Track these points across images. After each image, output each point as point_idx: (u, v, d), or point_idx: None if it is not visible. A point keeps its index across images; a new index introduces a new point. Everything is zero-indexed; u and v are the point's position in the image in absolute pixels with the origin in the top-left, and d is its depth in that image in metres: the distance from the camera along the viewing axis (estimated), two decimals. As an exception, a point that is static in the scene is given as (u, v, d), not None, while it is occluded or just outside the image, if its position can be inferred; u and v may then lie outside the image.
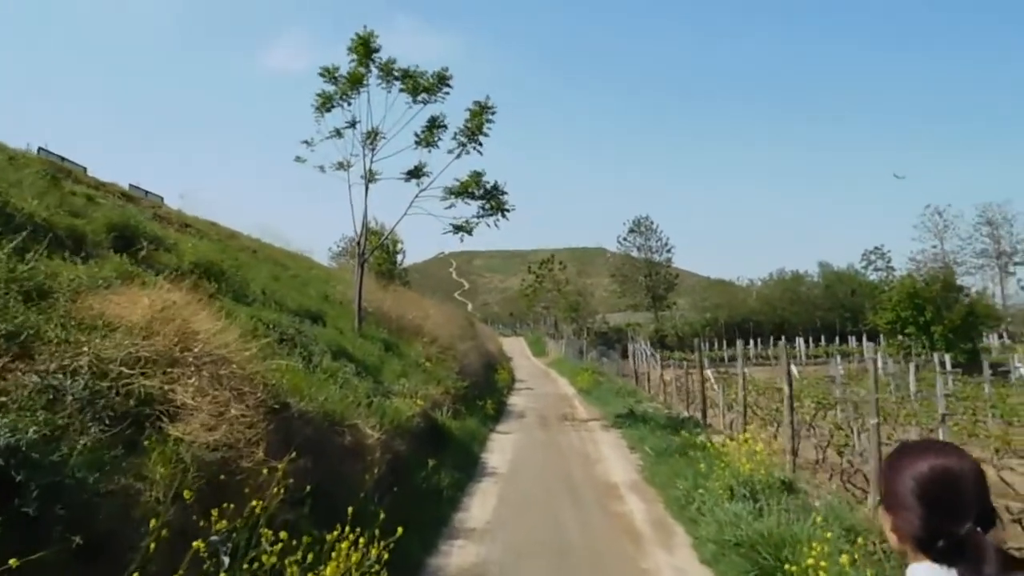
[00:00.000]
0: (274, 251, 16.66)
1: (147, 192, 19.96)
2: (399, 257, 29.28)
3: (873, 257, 68.96)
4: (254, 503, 3.92)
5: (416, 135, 12.91)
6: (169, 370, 4.63)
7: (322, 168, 13.79)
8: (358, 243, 13.25)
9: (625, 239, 65.92)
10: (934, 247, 54.99)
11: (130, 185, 19.44)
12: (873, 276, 65.77)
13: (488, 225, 13.25)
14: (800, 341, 52.56)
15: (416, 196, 13.19)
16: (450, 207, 13.12)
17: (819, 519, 5.59)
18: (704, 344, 55.60)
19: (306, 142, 13.52)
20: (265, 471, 4.20)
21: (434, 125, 13.16)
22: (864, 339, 50.46)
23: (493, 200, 12.89)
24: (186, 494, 3.64)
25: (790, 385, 9.84)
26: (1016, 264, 57.97)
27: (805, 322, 62.01)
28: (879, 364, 35.12)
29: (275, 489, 3.97)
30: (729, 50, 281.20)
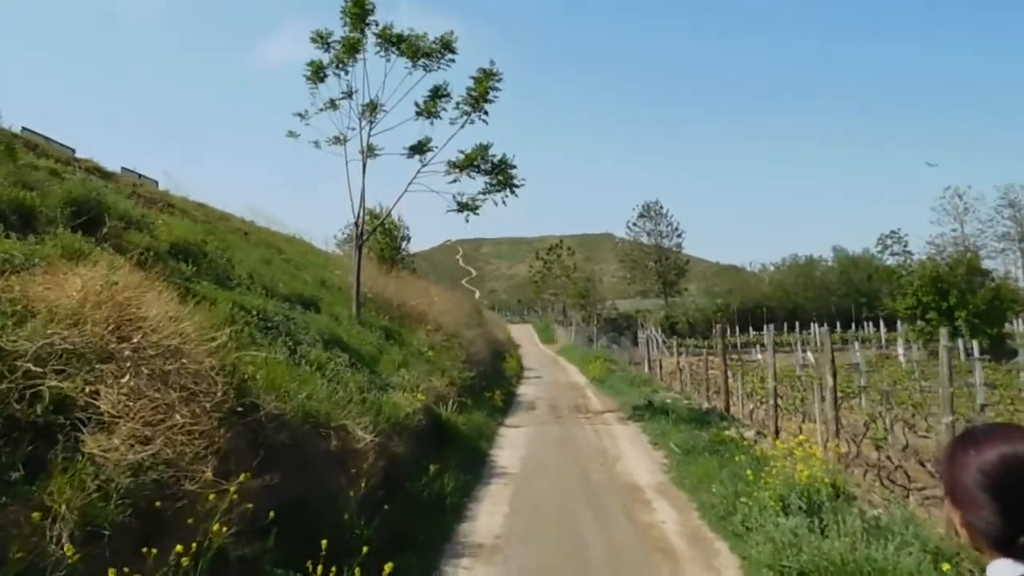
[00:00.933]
0: (268, 234, 15.74)
1: (140, 175, 19.04)
2: (404, 243, 28.27)
3: (889, 241, 67.57)
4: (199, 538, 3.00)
5: (416, 105, 11.86)
6: (100, 366, 3.69)
7: (317, 143, 12.81)
8: (356, 223, 12.30)
9: (635, 224, 64.74)
10: (954, 231, 53.34)
11: (122, 168, 18.53)
12: (890, 261, 64.34)
13: (495, 203, 12.26)
14: (815, 327, 51.22)
15: (418, 172, 12.20)
16: (454, 182, 12.12)
17: (894, 539, 4.63)
18: (716, 330, 54.71)
19: (299, 115, 12.52)
20: (212, 495, 3.26)
21: (437, 94, 12.10)
22: (882, 325, 49.17)
23: (501, 175, 11.85)
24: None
25: (834, 376, 8.81)
26: (1041, 247, 56.29)
27: (820, 308, 60.75)
28: (902, 350, 33.51)
29: (217, 523, 3.04)
30: (740, 35, 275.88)
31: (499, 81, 11.52)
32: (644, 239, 63.65)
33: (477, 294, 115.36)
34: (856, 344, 44.42)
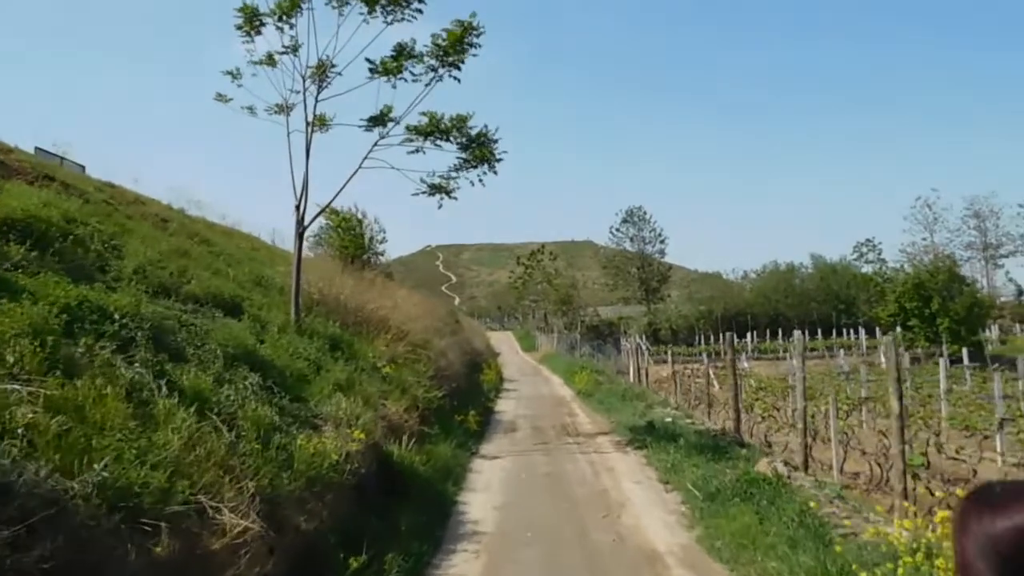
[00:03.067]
0: (202, 225, 13.28)
1: (62, 158, 16.46)
2: (378, 243, 25.77)
3: (865, 249, 67.69)
4: None
5: (370, 62, 9.53)
6: None
7: (251, 109, 10.42)
8: (297, 207, 9.93)
9: (618, 230, 63.06)
10: (924, 239, 53.51)
11: (36, 148, 15.94)
12: (866, 268, 64.45)
13: (472, 182, 10.03)
14: (797, 334, 50.03)
15: (375, 144, 9.88)
16: (415, 152, 9.82)
17: None
18: (700, 337, 53.15)
19: (230, 73, 10.13)
20: None
21: (402, 55, 9.85)
22: (862, 332, 48.22)
23: (480, 149, 9.63)
24: None
25: (900, 399, 6.74)
26: (1003, 256, 56.88)
27: (800, 315, 60.01)
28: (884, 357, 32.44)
29: None
30: (716, 42, 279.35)
31: (478, 36, 9.33)
32: (627, 245, 62.11)
33: (457, 300, 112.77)
34: (841, 352, 43.27)
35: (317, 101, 10.22)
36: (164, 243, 9.49)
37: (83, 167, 17.14)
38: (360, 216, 22.03)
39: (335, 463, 5.34)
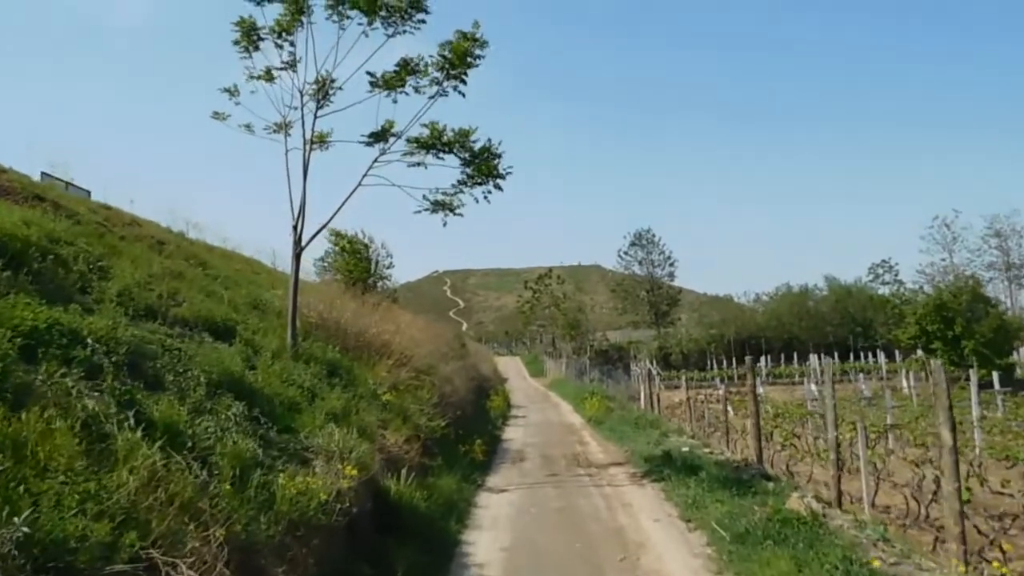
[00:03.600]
0: (200, 248, 12.96)
1: (68, 183, 16.35)
2: (383, 267, 25.34)
3: (881, 271, 66.78)
4: None
5: (371, 75, 9.25)
6: None
7: (249, 127, 10.15)
8: (294, 227, 9.56)
9: (626, 253, 62.68)
10: (943, 260, 52.40)
11: (42, 173, 15.85)
12: (883, 290, 63.44)
13: (476, 199, 9.62)
14: (814, 358, 49.29)
15: (376, 160, 9.53)
16: (416, 165, 9.44)
17: None
18: (713, 362, 52.02)
19: (227, 90, 9.87)
20: None
21: (406, 71, 9.57)
22: (881, 355, 47.10)
23: (483, 165, 9.25)
24: None
25: (953, 430, 6.11)
26: (1027, 276, 55.57)
27: (815, 338, 58.97)
28: (912, 382, 30.93)
29: None
30: (725, 62, 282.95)
31: (482, 48, 9.04)
32: (636, 268, 61.59)
33: (464, 325, 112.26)
34: (861, 376, 42.12)
35: (316, 118, 9.94)
36: (156, 264, 9.11)
37: (88, 192, 16.98)
38: (367, 241, 21.78)
39: (323, 503, 4.80)
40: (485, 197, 9.60)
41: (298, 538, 4.35)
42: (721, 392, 21.74)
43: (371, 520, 5.88)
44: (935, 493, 9.56)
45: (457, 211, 9.96)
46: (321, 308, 12.05)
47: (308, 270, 19.75)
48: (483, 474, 10.88)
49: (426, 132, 9.16)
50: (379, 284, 21.38)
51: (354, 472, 5.36)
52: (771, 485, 9.19)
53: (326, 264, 23.62)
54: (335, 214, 9.69)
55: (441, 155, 9.34)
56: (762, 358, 49.53)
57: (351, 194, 9.57)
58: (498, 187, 9.50)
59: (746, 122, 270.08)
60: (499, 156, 9.77)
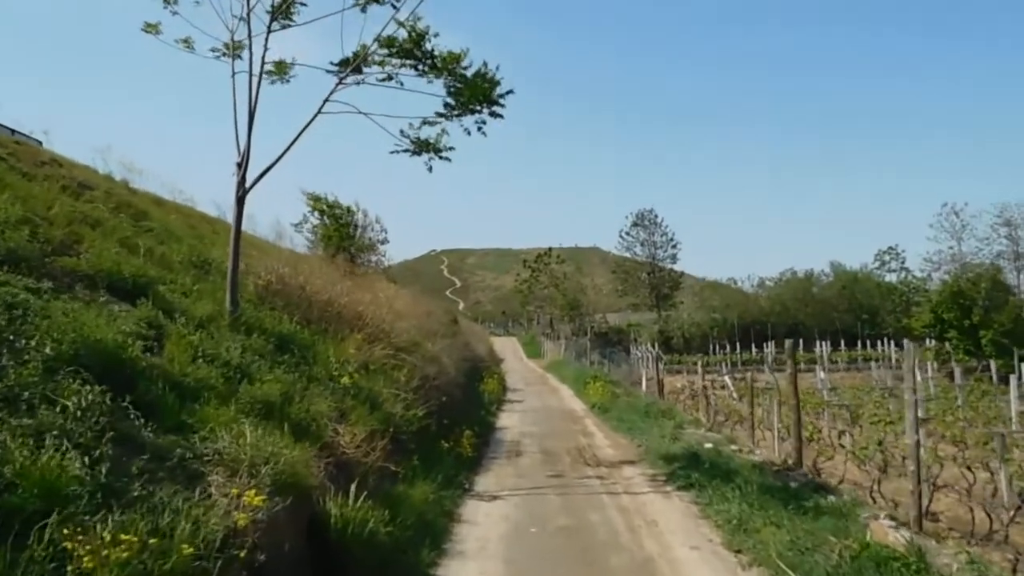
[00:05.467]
0: (137, 197, 10.87)
1: (13, 130, 14.33)
2: (380, 244, 23.21)
3: (887, 258, 64.96)
4: None
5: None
6: None
7: (187, 42, 8.04)
8: (238, 163, 7.50)
9: (628, 233, 60.45)
10: (951, 248, 50.52)
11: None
12: (890, 277, 61.78)
13: (468, 131, 7.57)
14: (820, 345, 47.70)
15: (341, 80, 7.43)
16: (388, 80, 7.37)
17: None
18: (715, 347, 50.33)
19: (158, -8, 7.75)
20: None
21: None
22: (890, 344, 45.48)
23: (475, 89, 7.20)
24: None
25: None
26: (1036, 267, 53.74)
27: (821, 325, 57.47)
28: (929, 372, 29.08)
29: None
30: (732, 46, 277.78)
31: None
32: (638, 249, 59.49)
33: (462, 305, 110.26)
34: (873, 364, 40.45)
35: (269, 31, 7.84)
36: (58, 206, 7.09)
37: (40, 142, 15.00)
38: (353, 207, 19.63)
39: (197, 554, 2.88)
40: (479, 129, 7.57)
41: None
42: (726, 379, 19.92)
43: (300, 563, 3.98)
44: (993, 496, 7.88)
45: (443, 153, 7.93)
46: (284, 271, 10.07)
47: (300, 244, 17.42)
48: (472, 473, 9.02)
49: (403, 34, 7.06)
50: (364, 256, 19.29)
51: (260, 501, 3.43)
52: (831, 499, 7.34)
53: (315, 236, 21.54)
54: (289, 147, 7.63)
55: (423, 71, 7.25)
56: (765, 344, 47.97)
57: (310, 122, 7.55)
58: (495, 115, 7.47)
59: (747, 106, 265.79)
60: (497, 83, 7.70)
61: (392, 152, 7.90)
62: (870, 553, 5.14)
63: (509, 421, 15.72)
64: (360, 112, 7.53)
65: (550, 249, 67.54)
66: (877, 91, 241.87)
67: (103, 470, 3.14)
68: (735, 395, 19.22)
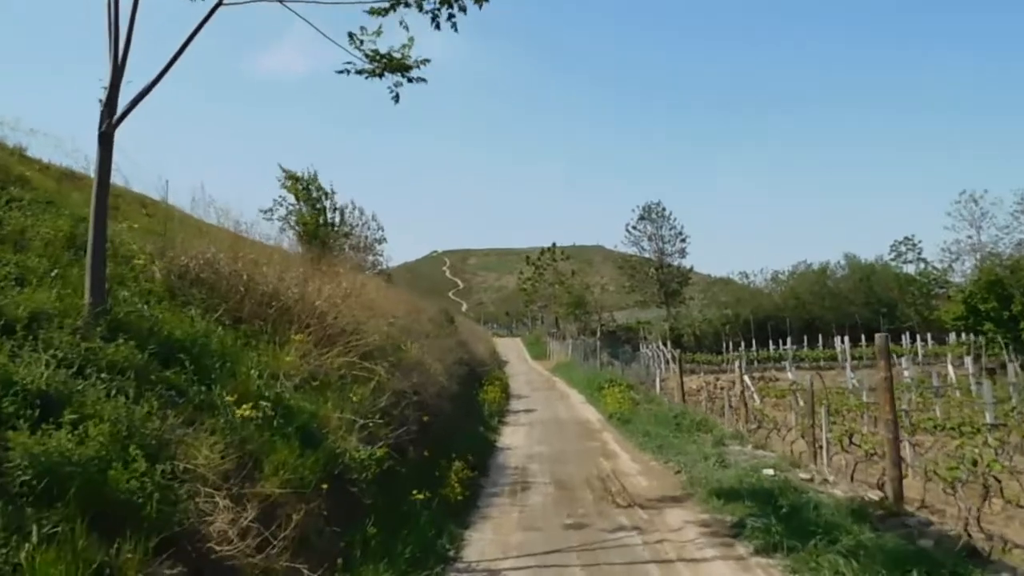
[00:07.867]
0: (39, 168, 8.57)
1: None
2: (378, 244, 20.92)
3: (904, 248, 62.16)
4: None
5: None
6: None
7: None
8: (105, 87, 5.10)
9: (635, 227, 57.83)
10: (970, 237, 47.72)
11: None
12: (907, 268, 59.04)
13: (438, 23, 5.14)
14: (839, 340, 45.23)
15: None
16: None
17: None
18: (728, 344, 47.74)
19: None
20: None
21: None
22: (916, 337, 42.89)
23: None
24: None
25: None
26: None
27: (839, 319, 55.03)
28: (970, 369, 26.22)
29: None
30: (741, 38, 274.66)
31: None
32: (645, 243, 56.89)
33: (464, 306, 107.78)
34: (903, 360, 37.91)
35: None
36: None
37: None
38: (329, 189, 17.22)
39: None
40: (450, 17, 5.11)
41: None
42: (746, 379, 17.30)
43: None
44: None
45: (414, 72, 5.50)
46: (215, 255, 7.64)
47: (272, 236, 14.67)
48: (461, 526, 6.55)
49: None
50: (338, 243, 16.87)
51: None
52: (978, 569, 4.87)
53: (288, 224, 19.19)
54: (178, 54, 5.16)
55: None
56: (782, 340, 45.59)
57: (208, 16, 5.09)
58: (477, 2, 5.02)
59: (757, 98, 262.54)
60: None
61: (340, 72, 5.47)
62: None
63: (513, 439, 13.26)
64: (292, 11, 5.11)
65: (554, 245, 65.11)
66: (889, 78, 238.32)
67: None
68: (755, 396, 16.85)
